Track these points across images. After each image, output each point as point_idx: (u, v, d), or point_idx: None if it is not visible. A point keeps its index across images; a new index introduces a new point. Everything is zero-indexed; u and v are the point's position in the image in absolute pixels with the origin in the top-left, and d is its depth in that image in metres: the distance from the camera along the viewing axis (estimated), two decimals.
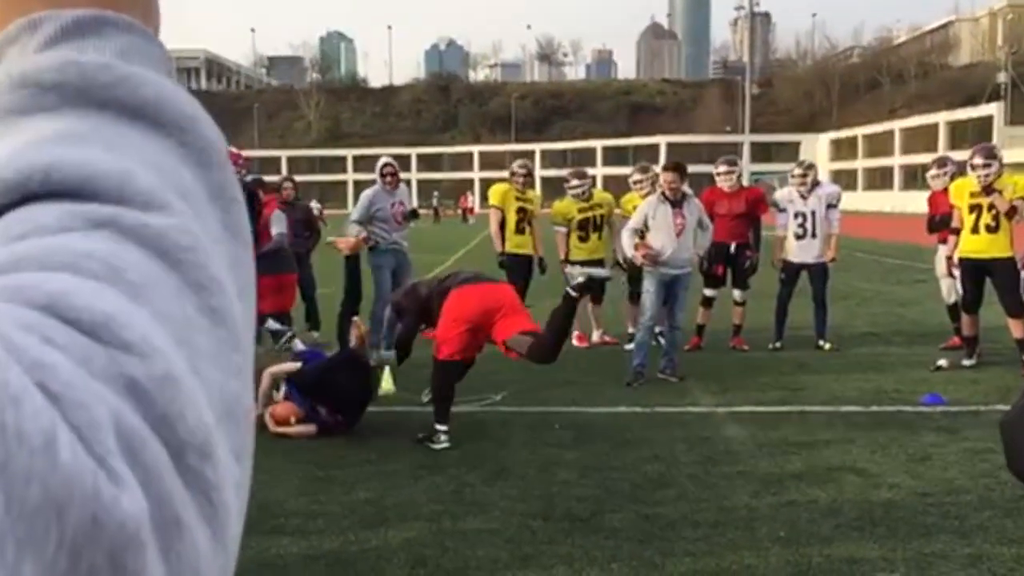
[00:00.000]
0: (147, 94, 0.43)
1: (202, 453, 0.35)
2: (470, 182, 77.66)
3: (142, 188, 0.39)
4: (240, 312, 0.41)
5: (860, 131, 76.48)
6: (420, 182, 74.23)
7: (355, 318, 7.08)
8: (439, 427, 5.73)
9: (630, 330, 8.97)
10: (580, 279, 5.67)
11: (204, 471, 0.35)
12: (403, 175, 9.12)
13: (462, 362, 5.89)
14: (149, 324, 0.36)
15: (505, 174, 9.59)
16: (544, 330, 5.63)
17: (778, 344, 8.95)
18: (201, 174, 0.43)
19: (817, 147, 77.71)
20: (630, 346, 8.67)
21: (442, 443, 5.67)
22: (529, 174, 9.34)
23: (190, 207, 0.41)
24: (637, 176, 9.41)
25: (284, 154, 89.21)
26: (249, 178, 8.54)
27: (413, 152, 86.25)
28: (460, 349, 5.71)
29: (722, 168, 9.10)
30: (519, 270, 9.05)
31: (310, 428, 6.02)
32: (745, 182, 10.41)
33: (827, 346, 8.82)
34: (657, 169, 8.67)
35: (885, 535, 4.13)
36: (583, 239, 9.32)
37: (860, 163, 75.65)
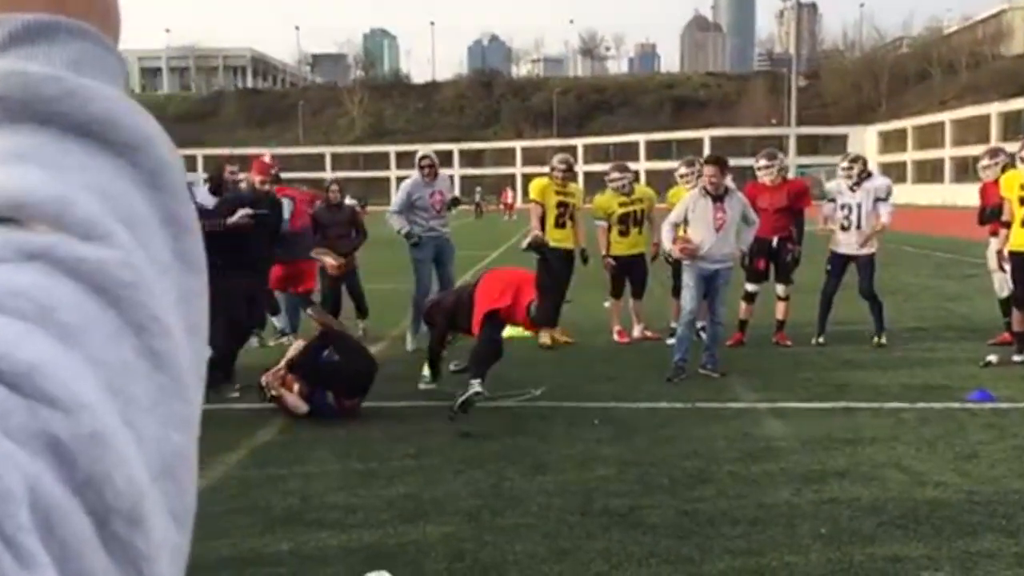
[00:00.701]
0: (96, 110, 0.39)
1: (131, 520, 0.32)
2: (512, 177, 77.70)
3: (81, 216, 0.36)
4: (187, 354, 0.37)
5: (909, 123, 75.08)
6: (463, 178, 74.41)
7: (308, 310, 7.37)
8: (474, 380, 6.16)
9: (672, 324, 8.91)
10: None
11: (133, 540, 0.31)
12: (446, 171, 9.32)
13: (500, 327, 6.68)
14: (78, 373, 0.32)
15: (547, 169, 9.60)
16: (539, 299, 6.56)
17: (821, 339, 8.83)
18: (153, 197, 0.39)
19: (865, 139, 76.48)
20: (671, 341, 8.62)
21: (475, 387, 6.12)
22: (569, 169, 9.33)
23: (137, 235, 0.37)
24: (683, 170, 9.35)
25: (328, 151, 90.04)
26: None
27: (455, 148, 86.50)
28: (497, 301, 6.51)
29: (762, 162, 9.00)
30: (560, 264, 9.05)
31: (301, 406, 6.19)
32: (791, 175, 10.28)
33: (875, 340, 8.67)
34: None
35: (930, 533, 4.06)
36: (623, 233, 9.28)
37: (909, 155, 74.28)
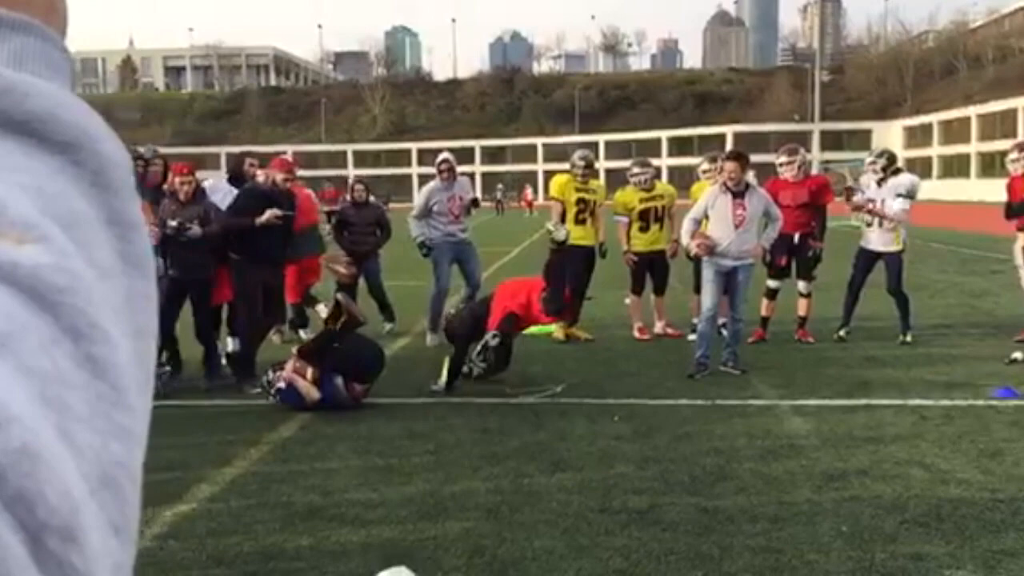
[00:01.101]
0: (35, 106, 0.38)
1: (66, 535, 0.30)
2: (534, 174, 77.65)
3: (15, 218, 0.34)
4: (130, 360, 0.36)
5: (935, 118, 74.31)
6: (484, 175, 74.42)
7: (338, 295, 7.51)
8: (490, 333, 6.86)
9: (694, 320, 8.87)
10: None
11: (69, 556, 0.30)
12: (467, 168, 9.52)
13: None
14: (8, 383, 0.31)
15: (568, 166, 9.63)
16: (549, 285, 7.08)
17: (842, 333, 8.77)
18: (96, 197, 0.38)
19: (890, 135, 75.72)
20: (693, 336, 8.61)
21: (492, 334, 6.78)
22: (588, 166, 9.33)
23: (76, 237, 0.36)
24: (706, 165, 9.30)
25: (350, 148, 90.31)
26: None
27: (477, 144, 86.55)
28: (513, 301, 6.94)
29: (783, 158, 8.93)
30: (580, 261, 9.11)
31: (313, 392, 6.32)
32: (815, 171, 10.22)
33: (900, 338, 8.59)
34: None
35: (952, 532, 4.03)
36: (643, 230, 9.26)
37: (935, 151, 73.54)
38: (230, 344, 8.05)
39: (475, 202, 9.40)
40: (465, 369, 7.04)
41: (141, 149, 8.08)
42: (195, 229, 7.01)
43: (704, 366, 7.39)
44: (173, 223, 6.98)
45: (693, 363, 7.42)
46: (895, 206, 8.51)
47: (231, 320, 7.94)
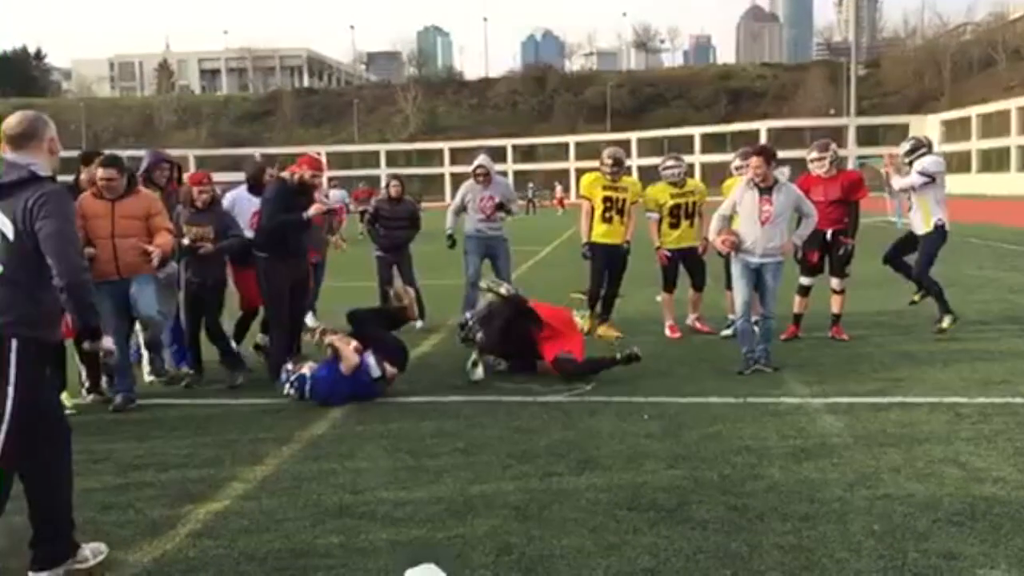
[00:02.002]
0: None
1: None
2: (566, 172, 77.52)
3: None
4: None
5: (974, 111, 73.17)
6: (516, 173, 74.42)
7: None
8: None
9: (730, 317, 8.80)
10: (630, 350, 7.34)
11: None
12: (499, 167, 9.97)
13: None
14: None
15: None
16: (581, 362, 7.27)
17: (916, 297, 9.03)
18: None
19: (927, 128, 74.69)
20: (726, 332, 8.58)
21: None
22: (616, 164, 9.29)
23: None
24: (738, 162, 9.23)
25: (383, 148, 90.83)
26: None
27: (509, 143, 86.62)
28: (552, 324, 7.46)
29: (814, 154, 8.86)
30: (605, 259, 9.13)
31: (353, 358, 6.61)
32: (851, 166, 10.30)
33: (938, 325, 8.65)
34: None
35: (987, 530, 3.97)
36: (674, 226, 9.22)
37: (974, 144, 72.41)
38: (259, 338, 8.27)
39: (501, 206, 9.69)
40: (491, 359, 7.46)
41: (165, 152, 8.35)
42: (207, 247, 7.21)
43: (753, 360, 7.35)
44: (186, 241, 7.19)
45: (742, 360, 7.39)
46: (906, 179, 8.71)
47: (266, 323, 8.09)
